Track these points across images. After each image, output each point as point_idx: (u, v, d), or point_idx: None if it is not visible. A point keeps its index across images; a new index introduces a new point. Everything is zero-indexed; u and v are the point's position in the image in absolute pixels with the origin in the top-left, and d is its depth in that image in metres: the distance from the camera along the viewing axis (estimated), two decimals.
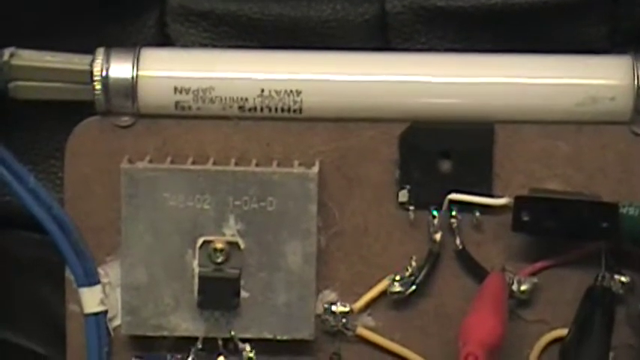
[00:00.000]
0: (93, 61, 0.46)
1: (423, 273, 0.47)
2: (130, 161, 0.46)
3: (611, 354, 0.46)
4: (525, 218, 0.45)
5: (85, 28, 0.52)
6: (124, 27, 0.56)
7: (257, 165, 0.46)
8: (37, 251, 0.51)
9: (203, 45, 0.55)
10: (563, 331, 0.47)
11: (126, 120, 0.47)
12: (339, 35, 0.56)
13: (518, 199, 0.46)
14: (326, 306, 0.47)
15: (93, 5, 0.56)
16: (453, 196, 0.46)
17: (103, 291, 0.48)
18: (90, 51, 0.47)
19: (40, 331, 0.56)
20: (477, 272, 0.47)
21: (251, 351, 0.47)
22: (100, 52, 0.47)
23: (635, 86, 0.46)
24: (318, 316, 0.47)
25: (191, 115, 0.47)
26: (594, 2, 0.55)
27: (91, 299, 0.47)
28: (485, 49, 0.49)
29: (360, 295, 0.48)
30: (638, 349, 0.47)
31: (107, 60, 0.46)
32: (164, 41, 0.55)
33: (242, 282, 0.46)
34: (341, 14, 0.58)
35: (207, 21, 0.57)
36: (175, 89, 0.46)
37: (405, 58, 0.49)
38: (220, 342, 0.48)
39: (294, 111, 0.46)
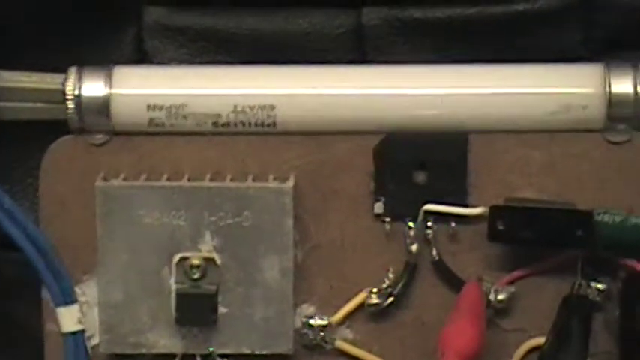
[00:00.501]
0: (65, 79, 0.47)
1: (400, 284, 0.47)
2: (105, 179, 0.47)
3: None
4: (501, 228, 0.46)
5: (61, 45, 0.52)
6: (101, 44, 0.56)
7: (232, 180, 0.47)
8: (15, 270, 0.51)
9: (181, 61, 0.55)
10: (541, 340, 0.47)
11: (100, 138, 0.47)
12: (316, 48, 0.56)
13: (494, 209, 0.46)
14: (304, 320, 0.48)
15: (69, 22, 0.56)
16: (429, 207, 0.47)
17: (81, 310, 0.47)
18: (66, 68, 0.47)
19: (17, 350, 0.55)
20: (454, 282, 0.47)
21: None
22: (73, 71, 0.47)
23: (607, 94, 0.46)
24: (296, 330, 0.47)
25: (165, 131, 0.47)
26: (569, 11, 0.55)
27: (68, 318, 0.47)
28: (462, 60, 0.50)
29: (338, 308, 0.48)
30: (616, 355, 0.47)
31: (80, 78, 0.47)
32: (141, 58, 0.55)
33: (219, 297, 0.47)
34: (318, 27, 0.57)
35: (183, 37, 0.57)
36: (148, 106, 0.47)
37: (378, 70, 0.49)
38: (199, 358, 0.48)
39: (268, 125, 0.47)
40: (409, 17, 0.57)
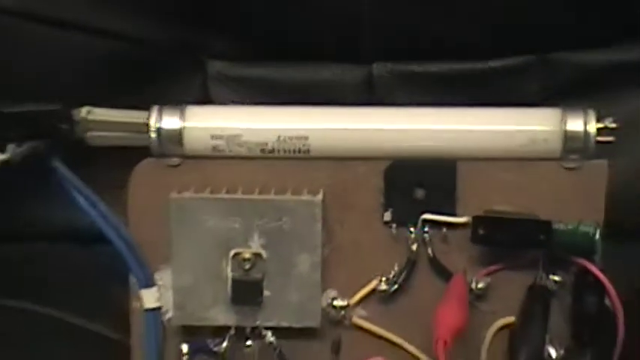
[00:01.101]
0: (149, 116, 0.49)
1: (403, 275, 0.49)
2: (178, 192, 0.48)
3: (547, 337, 0.48)
4: (481, 232, 0.48)
5: (147, 91, 0.55)
6: (178, 89, 0.60)
7: (275, 194, 0.48)
8: (109, 260, 0.51)
9: (236, 101, 0.58)
10: (510, 319, 0.49)
11: (174, 161, 0.49)
12: (337, 93, 0.59)
13: (476, 218, 0.48)
14: (329, 301, 0.50)
15: (152, 74, 0.61)
16: (426, 216, 0.49)
17: (159, 291, 0.50)
18: (149, 107, 0.49)
19: (109, 322, 0.59)
20: (445, 274, 0.49)
21: (272, 336, 0.50)
22: (155, 109, 0.49)
23: (563, 131, 0.48)
24: (323, 309, 0.49)
25: (224, 156, 0.49)
26: (529, 67, 0.60)
27: (149, 298, 0.49)
28: (450, 102, 0.51)
29: (355, 293, 0.50)
30: (569, 333, 0.49)
31: (160, 115, 0.49)
32: (206, 98, 0.59)
33: (264, 283, 0.48)
34: (338, 77, 0.61)
35: (238, 84, 0.62)
36: (212, 136, 0.48)
37: (387, 111, 0.50)
38: (248, 330, 0.49)
39: (304, 152, 0.49)
40: (410, 71, 0.61)
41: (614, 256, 0.48)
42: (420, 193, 0.49)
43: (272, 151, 0.49)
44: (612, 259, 0.48)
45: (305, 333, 0.50)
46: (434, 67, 0.64)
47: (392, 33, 0.64)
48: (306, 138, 0.49)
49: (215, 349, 0.50)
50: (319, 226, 0.48)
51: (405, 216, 0.49)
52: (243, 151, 0.49)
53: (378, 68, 0.64)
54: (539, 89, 0.63)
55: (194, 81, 0.65)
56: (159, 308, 0.50)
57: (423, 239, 0.49)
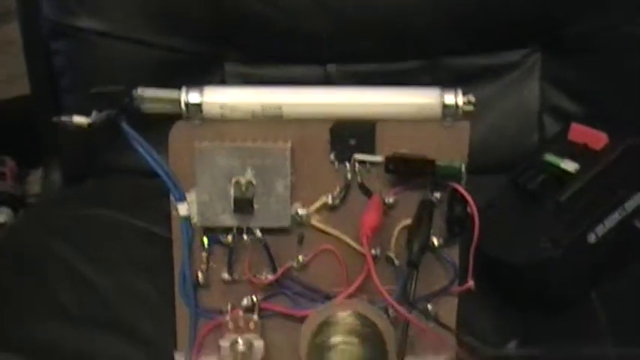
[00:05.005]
0: (180, 93, 0.46)
1: (342, 194, 0.48)
2: (199, 142, 0.47)
3: (432, 231, 0.47)
4: (391, 167, 0.47)
5: (184, 83, 0.49)
6: (205, 81, 0.56)
7: (261, 142, 0.47)
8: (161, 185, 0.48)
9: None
10: (409, 221, 0.48)
11: (197, 123, 0.47)
12: (304, 82, 0.57)
13: (387, 158, 0.47)
14: (295, 210, 0.48)
15: (189, 72, 0.63)
16: (356, 156, 0.47)
17: (188, 205, 0.48)
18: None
19: (161, 221, 0.56)
20: (368, 194, 0.48)
21: (260, 233, 0.48)
22: (184, 89, 0.46)
23: (442, 102, 0.46)
24: (292, 215, 0.48)
25: (228, 119, 0.47)
26: (425, 69, 0.64)
27: (182, 209, 0.48)
28: (375, 84, 0.48)
29: (312, 205, 0.48)
30: (444, 230, 0.48)
31: (187, 93, 0.46)
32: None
33: (254, 199, 0.47)
34: (306, 73, 0.63)
35: (244, 77, 0.64)
36: (220, 107, 0.46)
37: (332, 90, 0.48)
38: (245, 229, 0.48)
39: (278, 116, 0.47)
40: (351, 70, 0.62)
41: (472, 181, 0.47)
42: (352, 142, 0.47)
43: (259, 115, 0.47)
44: (471, 183, 0.47)
45: (280, 231, 0.49)
46: (365, 67, 0.65)
47: (340, 44, 0.65)
48: (280, 107, 0.47)
49: (224, 241, 0.49)
50: (288, 162, 0.47)
51: (343, 156, 0.48)
52: (240, 116, 0.47)
53: (331, 68, 0.65)
54: (430, 80, 0.64)
55: (216, 76, 0.66)
56: (188, 216, 0.49)
57: (355, 171, 0.48)
